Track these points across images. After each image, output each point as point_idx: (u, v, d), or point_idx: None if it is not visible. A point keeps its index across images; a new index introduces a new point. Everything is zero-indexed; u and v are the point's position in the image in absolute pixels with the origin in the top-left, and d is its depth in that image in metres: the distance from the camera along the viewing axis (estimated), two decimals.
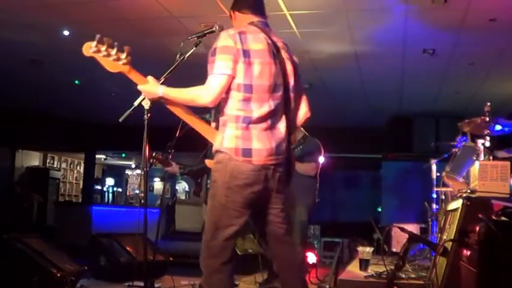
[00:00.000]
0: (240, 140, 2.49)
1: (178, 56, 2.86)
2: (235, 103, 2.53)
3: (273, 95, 2.57)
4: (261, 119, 2.52)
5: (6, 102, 9.99)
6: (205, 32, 2.95)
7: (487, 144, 4.32)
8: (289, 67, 2.68)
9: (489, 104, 4.34)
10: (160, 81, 2.83)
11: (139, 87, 2.72)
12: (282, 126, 2.61)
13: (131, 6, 5.40)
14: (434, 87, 8.06)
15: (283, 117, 2.63)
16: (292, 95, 2.68)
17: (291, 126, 2.67)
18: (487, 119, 4.28)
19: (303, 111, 2.85)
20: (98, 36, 2.66)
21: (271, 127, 2.56)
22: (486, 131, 4.34)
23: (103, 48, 2.72)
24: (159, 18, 5.65)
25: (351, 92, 8.56)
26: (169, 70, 2.90)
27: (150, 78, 2.73)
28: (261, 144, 2.51)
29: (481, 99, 6.67)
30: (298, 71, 2.77)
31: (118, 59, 2.73)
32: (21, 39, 6.51)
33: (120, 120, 2.88)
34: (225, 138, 2.52)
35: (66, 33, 6.20)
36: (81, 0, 5.32)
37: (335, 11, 5.38)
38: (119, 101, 9.18)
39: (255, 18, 2.74)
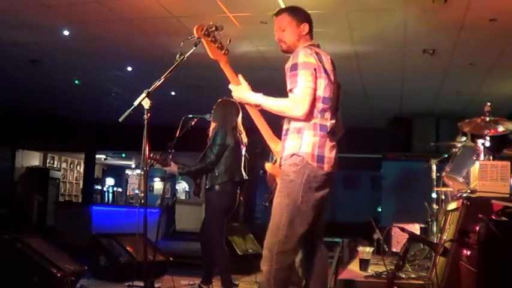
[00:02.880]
0: (316, 146, 2.71)
1: (178, 56, 2.87)
2: (314, 112, 2.72)
3: (335, 111, 2.88)
4: (331, 130, 2.78)
5: (7, 102, 10.00)
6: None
7: (487, 144, 4.32)
8: (338, 86, 2.96)
9: (489, 104, 4.34)
10: (161, 81, 2.84)
11: (233, 87, 2.85)
12: (337, 140, 2.88)
13: (131, 6, 5.40)
14: (434, 87, 8.06)
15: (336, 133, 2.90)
16: (338, 112, 2.97)
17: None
18: (487, 119, 4.28)
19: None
20: (211, 22, 2.79)
21: (335, 139, 2.84)
22: (486, 131, 4.34)
23: (212, 33, 2.80)
24: (159, 18, 5.65)
25: (351, 92, 8.56)
26: (170, 70, 2.91)
27: (242, 80, 2.87)
28: (330, 153, 2.76)
29: (481, 99, 6.67)
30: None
31: (222, 48, 2.84)
32: (21, 39, 6.51)
33: (120, 120, 2.88)
34: (303, 144, 2.71)
35: (66, 33, 6.20)
36: (81, 0, 5.33)
37: (335, 11, 5.38)
38: (118, 101, 9.20)
39: (315, 42, 2.97)
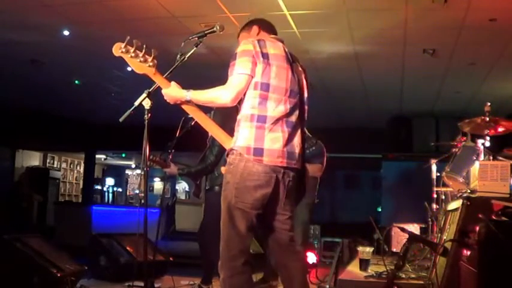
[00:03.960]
0: (253, 138, 2.53)
1: (178, 56, 2.87)
2: (252, 101, 2.58)
3: (289, 99, 2.63)
4: (276, 120, 2.57)
5: (6, 102, 9.99)
6: (205, 32, 2.95)
7: (487, 144, 4.32)
8: (304, 80, 2.79)
9: (489, 104, 4.34)
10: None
11: (163, 91, 2.79)
12: (296, 134, 2.65)
13: (131, 6, 5.40)
14: (434, 87, 8.06)
15: (298, 127, 2.68)
16: (306, 107, 2.77)
17: (304, 138, 2.74)
18: (487, 119, 4.28)
19: None
20: (128, 37, 2.72)
21: (285, 130, 2.59)
22: (486, 131, 4.34)
23: (132, 49, 2.79)
24: (159, 18, 5.65)
25: (351, 92, 8.57)
26: (170, 70, 2.91)
27: (173, 83, 2.81)
28: (273, 145, 2.54)
29: (481, 99, 6.68)
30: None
31: (145, 61, 2.81)
32: (21, 39, 6.50)
33: (121, 120, 2.89)
34: (239, 138, 2.58)
35: (66, 33, 6.20)
36: (81, 0, 5.32)
37: (335, 11, 5.37)
38: (118, 101, 9.20)
39: (273, 36, 2.86)
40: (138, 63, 2.80)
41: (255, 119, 2.55)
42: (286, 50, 2.73)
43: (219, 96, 2.61)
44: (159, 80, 2.80)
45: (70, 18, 5.81)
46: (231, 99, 2.59)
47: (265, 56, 2.59)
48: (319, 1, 5.20)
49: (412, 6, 5.14)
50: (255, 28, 2.87)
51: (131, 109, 2.88)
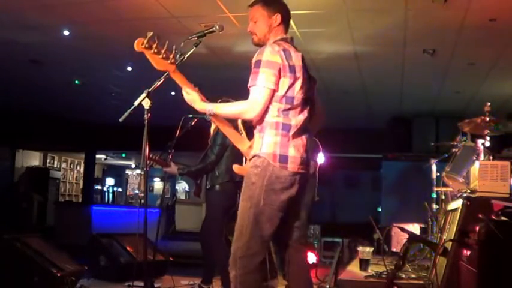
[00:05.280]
0: (278, 146, 2.61)
1: (178, 56, 2.86)
2: (276, 111, 2.64)
3: (306, 107, 2.73)
4: (297, 128, 2.66)
5: (6, 102, 9.99)
6: (205, 32, 2.95)
7: (487, 144, 4.32)
8: (313, 83, 2.88)
9: (489, 104, 4.34)
10: (161, 81, 2.84)
11: (186, 97, 2.78)
12: (310, 140, 2.77)
13: (131, 6, 5.40)
14: (434, 87, 8.06)
15: (309, 131, 2.79)
16: (312, 111, 2.83)
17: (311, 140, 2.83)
18: (487, 119, 4.28)
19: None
20: (151, 33, 2.71)
21: (303, 138, 2.70)
22: (486, 131, 4.34)
23: (154, 45, 2.75)
24: (159, 18, 5.64)
25: (351, 92, 8.57)
26: None
27: (196, 93, 2.78)
28: (296, 152, 2.64)
29: (481, 99, 6.68)
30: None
31: (167, 58, 2.77)
32: (21, 39, 6.50)
33: (120, 120, 2.89)
34: (264, 144, 2.64)
35: (66, 33, 6.20)
36: (81, 0, 5.32)
37: (335, 11, 5.37)
38: (118, 101, 9.20)
39: (288, 36, 2.86)
40: (160, 60, 2.76)
41: (280, 127, 2.63)
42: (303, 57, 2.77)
43: (244, 111, 2.64)
44: (178, 78, 2.79)
45: (70, 18, 5.81)
46: (257, 116, 2.63)
47: (292, 69, 2.64)
48: (319, 1, 5.20)
49: (412, 6, 5.14)
50: (277, 16, 2.81)
51: (131, 109, 2.88)
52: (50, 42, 6.59)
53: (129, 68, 7.49)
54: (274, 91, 2.61)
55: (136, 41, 2.73)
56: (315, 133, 3.04)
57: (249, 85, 2.63)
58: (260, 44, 2.79)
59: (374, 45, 6.36)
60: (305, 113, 2.71)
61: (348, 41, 6.21)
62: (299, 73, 2.68)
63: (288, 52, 2.67)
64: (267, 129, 2.64)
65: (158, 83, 2.89)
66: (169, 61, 2.77)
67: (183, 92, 2.79)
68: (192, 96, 2.76)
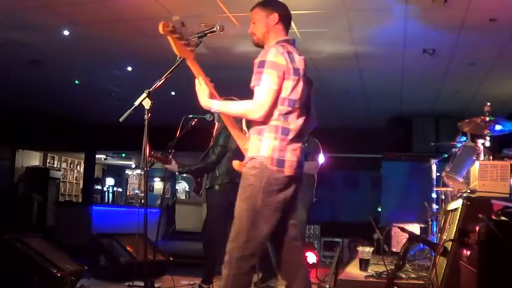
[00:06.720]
0: (277, 150, 2.63)
1: (179, 56, 2.86)
2: (276, 114, 2.64)
3: (304, 111, 2.75)
4: (296, 132, 2.68)
5: (7, 102, 9.99)
6: (206, 32, 2.95)
7: (487, 144, 4.32)
8: (311, 89, 2.88)
9: (489, 104, 4.34)
10: (161, 81, 2.83)
11: (198, 87, 2.76)
12: (304, 141, 2.79)
13: (131, 6, 5.40)
14: (434, 87, 8.06)
15: (305, 133, 2.83)
16: (310, 114, 2.86)
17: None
18: (487, 119, 4.28)
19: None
20: (178, 17, 2.72)
21: (300, 142, 2.73)
22: (486, 131, 4.34)
23: (178, 30, 2.71)
24: (159, 18, 5.61)
25: (351, 92, 8.57)
26: (170, 70, 2.91)
27: (207, 88, 2.75)
28: (293, 156, 2.66)
29: (481, 99, 6.67)
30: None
31: (188, 45, 2.76)
32: (21, 39, 6.51)
33: (121, 120, 2.89)
34: (262, 147, 2.64)
35: (66, 33, 6.20)
36: (81, 0, 5.33)
37: (335, 11, 5.38)
38: (118, 101, 9.20)
39: (289, 38, 2.84)
40: (181, 46, 2.74)
41: (279, 131, 2.64)
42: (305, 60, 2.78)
43: (250, 111, 2.63)
44: (195, 67, 2.77)
45: (70, 18, 5.81)
46: (262, 117, 2.62)
47: (296, 72, 2.66)
48: (319, 1, 5.20)
49: (412, 6, 5.14)
50: (275, 16, 2.79)
51: (131, 109, 2.88)
52: (50, 42, 6.59)
53: (129, 68, 7.49)
54: (278, 92, 2.61)
55: (161, 24, 2.67)
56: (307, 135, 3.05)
57: (252, 85, 2.63)
58: (259, 44, 2.81)
59: (374, 45, 6.36)
60: (303, 117, 2.73)
61: (348, 41, 6.22)
62: (301, 76, 2.69)
63: (292, 55, 2.68)
64: (266, 132, 2.64)
65: (159, 83, 2.89)
66: (190, 48, 2.76)
67: (196, 82, 2.77)
68: (202, 89, 2.75)
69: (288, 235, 2.80)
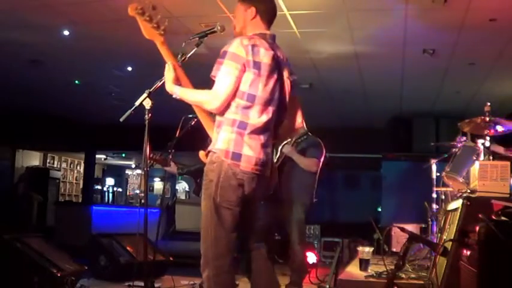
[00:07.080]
0: (232, 143, 2.56)
1: (179, 56, 2.86)
2: (235, 107, 2.59)
3: (269, 109, 2.65)
4: (256, 128, 2.60)
5: (7, 102, 9.99)
6: (206, 32, 2.95)
7: (487, 144, 4.32)
8: (287, 87, 2.77)
9: (489, 104, 4.34)
10: (162, 81, 2.83)
11: (167, 66, 2.76)
12: (271, 142, 2.70)
13: None
14: (434, 87, 8.06)
15: (273, 135, 2.72)
16: (283, 114, 2.77)
17: (275, 144, 2.79)
18: (487, 119, 4.28)
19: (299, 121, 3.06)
20: (149, 1, 2.69)
21: (262, 139, 2.63)
22: (486, 131, 4.34)
23: (147, 13, 2.72)
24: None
25: (351, 92, 8.57)
26: None
27: (173, 74, 2.75)
28: (252, 152, 2.58)
29: (481, 99, 6.68)
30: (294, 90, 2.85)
31: (157, 28, 2.76)
32: (21, 39, 6.50)
33: (121, 120, 2.89)
34: (219, 140, 2.59)
35: (66, 33, 6.20)
36: (81, 0, 5.33)
37: (335, 11, 5.38)
38: (118, 101, 9.20)
39: (267, 32, 2.77)
40: (150, 28, 2.75)
41: (236, 124, 2.57)
42: (276, 57, 2.67)
43: (207, 102, 2.60)
44: (164, 51, 2.77)
45: (70, 18, 5.81)
46: (218, 108, 2.58)
47: (256, 65, 2.57)
48: (319, 1, 5.20)
49: (412, 6, 5.14)
50: (252, 10, 2.75)
51: (132, 109, 2.88)
52: (50, 42, 6.59)
53: (129, 68, 7.49)
54: (236, 84, 2.56)
55: (130, 6, 2.68)
56: (284, 137, 2.99)
57: (211, 74, 2.60)
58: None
59: (374, 45, 6.36)
60: (269, 114, 2.63)
61: (348, 41, 6.21)
62: (265, 71, 2.60)
63: (257, 48, 2.60)
64: (224, 125, 2.60)
65: (159, 83, 2.89)
66: (158, 31, 2.76)
67: (166, 66, 2.76)
68: (168, 74, 2.74)
69: (251, 239, 2.76)
